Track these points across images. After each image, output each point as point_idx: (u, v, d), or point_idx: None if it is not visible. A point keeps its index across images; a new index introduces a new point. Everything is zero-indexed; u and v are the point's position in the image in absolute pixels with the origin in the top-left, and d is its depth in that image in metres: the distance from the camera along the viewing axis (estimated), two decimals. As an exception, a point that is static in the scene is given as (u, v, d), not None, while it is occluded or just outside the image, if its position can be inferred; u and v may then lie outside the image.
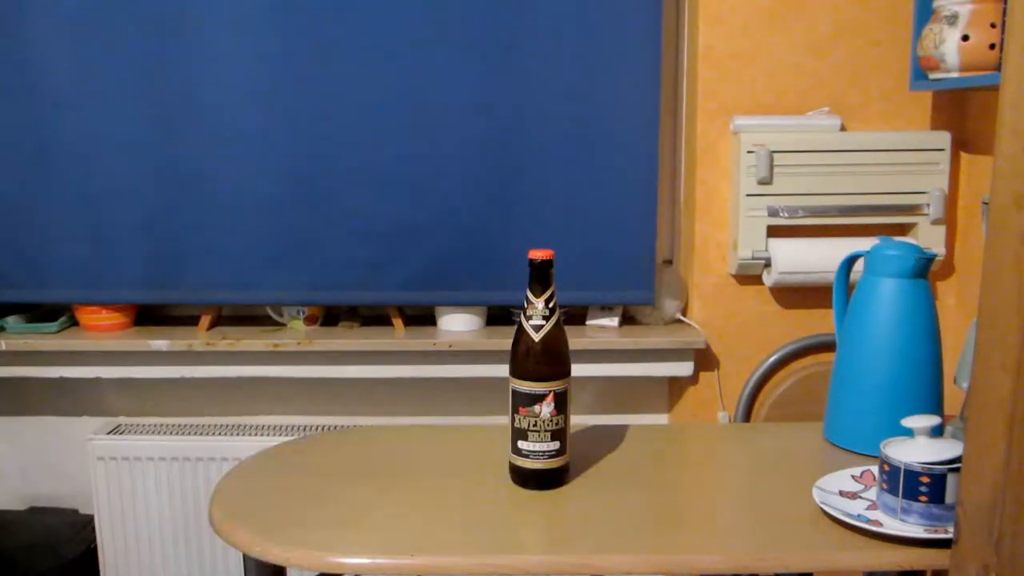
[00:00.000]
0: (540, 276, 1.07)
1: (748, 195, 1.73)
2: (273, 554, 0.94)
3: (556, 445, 1.08)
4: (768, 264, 1.75)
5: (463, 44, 1.71)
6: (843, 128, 1.75)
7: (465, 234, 1.77)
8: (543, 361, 1.06)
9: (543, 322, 1.06)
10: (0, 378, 1.90)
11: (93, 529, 1.89)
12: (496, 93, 1.72)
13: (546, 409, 1.07)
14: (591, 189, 1.75)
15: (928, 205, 1.73)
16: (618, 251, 1.77)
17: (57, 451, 2.02)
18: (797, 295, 1.81)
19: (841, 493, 1.03)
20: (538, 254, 1.06)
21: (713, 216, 1.79)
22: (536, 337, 1.06)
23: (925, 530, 0.94)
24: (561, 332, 1.07)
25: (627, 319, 1.87)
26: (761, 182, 1.72)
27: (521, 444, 1.07)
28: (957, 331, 1.75)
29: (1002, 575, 0.74)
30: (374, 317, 1.94)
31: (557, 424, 1.07)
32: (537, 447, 1.07)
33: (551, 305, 1.07)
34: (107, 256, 1.80)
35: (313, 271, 1.80)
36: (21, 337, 1.84)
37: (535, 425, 1.06)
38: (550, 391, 1.06)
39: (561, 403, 1.07)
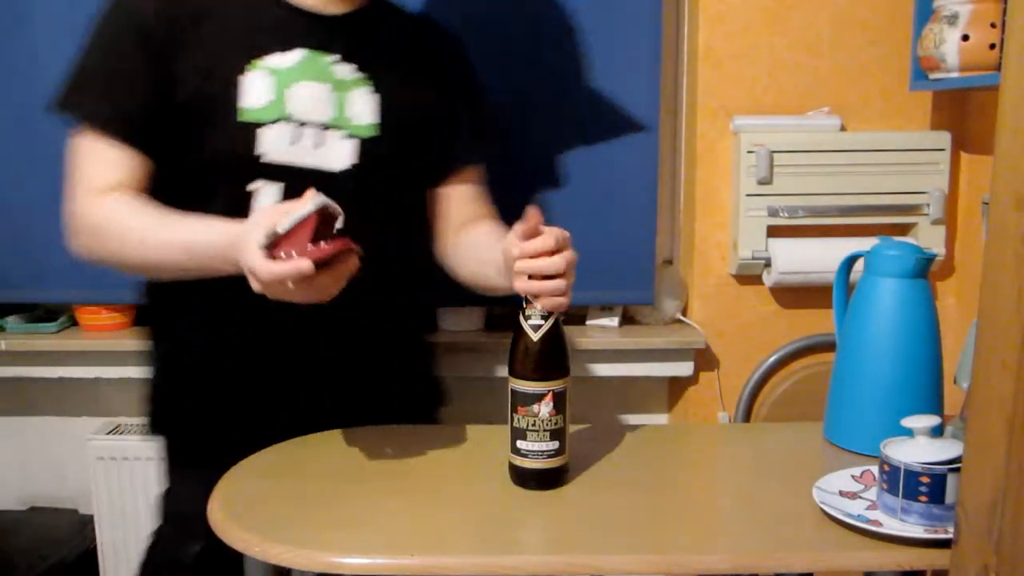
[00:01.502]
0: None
1: (748, 195, 1.73)
2: (273, 554, 0.94)
3: (555, 445, 1.07)
4: (768, 264, 1.75)
5: (463, 44, 1.70)
6: (843, 128, 1.75)
7: (465, 234, 1.77)
8: (541, 361, 1.06)
9: (541, 322, 1.06)
10: (0, 378, 1.90)
11: (93, 529, 1.89)
12: (496, 92, 1.72)
13: (544, 409, 1.06)
14: (591, 189, 1.75)
15: (928, 205, 1.73)
16: (618, 251, 1.77)
17: (57, 451, 2.02)
18: (797, 295, 1.81)
19: (841, 493, 1.03)
20: None
21: (713, 216, 1.79)
22: (535, 337, 1.06)
23: (925, 530, 0.94)
24: (560, 332, 1.07)
25: (627, 319, 1.87)
26: (761, 182, 1.72)
27: (520, 444, 1.07)
28: (957, 331, 1.74)
29: (1002, 575, 0.74)
30: (374, 317, 1.94)
31: (556, 424, 1.07)
32: (536, 447, 1.07)
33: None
34: (107, 256, 1.80)
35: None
36: (21, 337, 1.84)
37: (534, 425, 1.06)
38: (548, 391, 1.06)
39: (560, 403, 1.07)
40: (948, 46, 1.49)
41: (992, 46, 1.47)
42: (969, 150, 1.76)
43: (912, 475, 0.95)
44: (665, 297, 1.82)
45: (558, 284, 0.99)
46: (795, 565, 0.93)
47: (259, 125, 1.11)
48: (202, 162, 1.14)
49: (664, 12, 1.72)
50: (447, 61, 1.29)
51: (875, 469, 1.03)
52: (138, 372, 1.85)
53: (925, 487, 0.94)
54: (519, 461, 1.08)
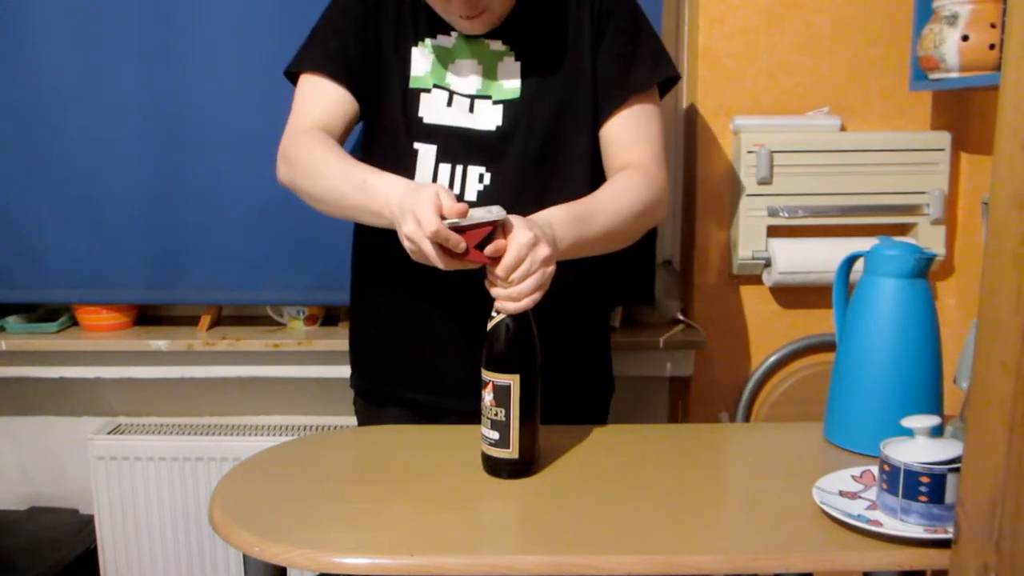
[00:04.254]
0: None
1: (748, 195, 1.73)
2: (273, 554, 0.94)
3: (495, 435, 1.10)
4: (768, 264, 1.75)
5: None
6: (843, 128, 1.75)
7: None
8: (488, 349, 1.09)
9: (494, 314, 1.09)
10: (0, 378, 1.90)
11: (93, 529, 1.89)
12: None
13: (487, 397, 1.09)
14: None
15: (928, 205, 1.73)
16: (618, 251, 1.77)
17: (57, 451, 2.03)
18: (797, 295, 1.81)
19: (841, 493, 1.03)
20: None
21: (713, 216, 1.79)
22: (488, 326, 1.09)
23: (925, 530, 0.94)
24: (513, 329, 1.08)
25: (627, 319, 1.87)
26: (761, 182, 1.72)
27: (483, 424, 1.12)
28: (957, 331, 1.74)
29: (1002, 575, 0.74)
30: (374, 317, 1.94)
31: (495, 415, 1.09)
32: (484, 431, 1.11)
33: None
34: (107, 256, 1.80)
35: (313, 271, 1.80)
36: (21, 337, 1.84)
37: (483, 410, 1.10)
38: (489, 381, 1.09)
39: (501, 397, 1.08)
40: (948, 46, 1.49)
41: (992, 46, 1.47)
42: (969, 150, 1.76)
43: (912, 475, 0.95)
44: (665, 297, 1.82)
45: (508, 292, 1.06)
46: (795, 565, 0.93)
47: (422, 91, 1.28)
48: (379, 122, 1.31)
49: (664, 12, 1.72)
50: (595, 10, 1.29)
51: (875, 469, 1.03)
52: (138, 372, 1.87)
53: (925, 487, 0.94)
54: (481, 443, 1.12)
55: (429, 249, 1.03)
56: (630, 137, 1.29)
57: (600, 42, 1.29)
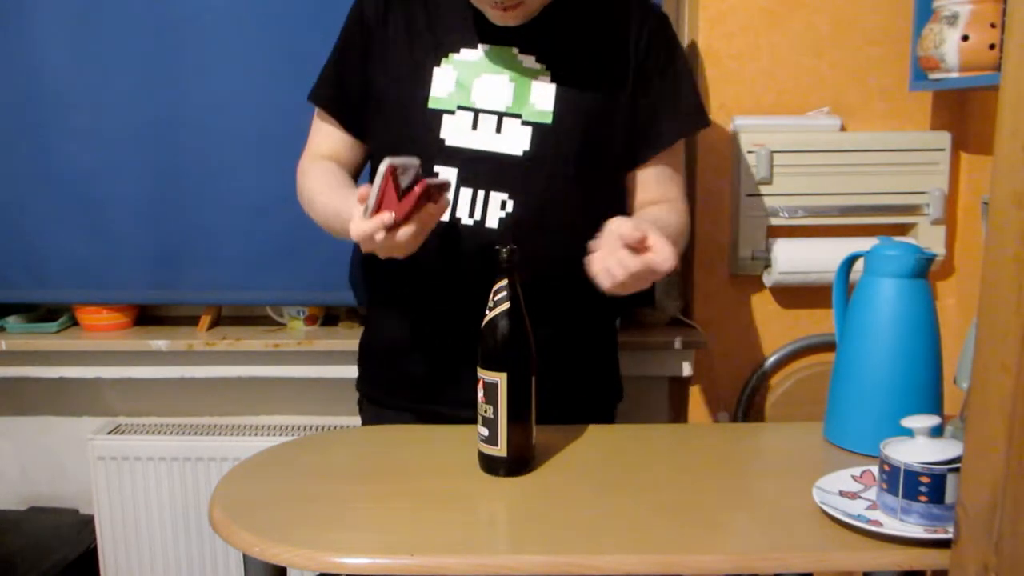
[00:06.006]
0: (496, 267, 1.11)
1: (748, 195, 1.73)
2: (273, 554, 0.94)
3: (485, 432, 1.10)
4: (768, 264, 1.75)
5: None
6: (843, 128, 1.75)
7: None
8: (480, 347, 1.10)
9: (487, 312, 1.10)
10: (0, 378, 1.90)
11: (93, 529, 1.89)
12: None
13: (479, 394, 1.10)
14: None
15: (928, 205, 1.73)
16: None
17: (57, 451, 2.02)
18: (797, 295, 1.81)
19: (841, 493, 1.03)
20: (501, 248, 1.10)
21: (713, 216, 1.79)
22: (481, 324, 1.10)
23: (925, 530, 0.94)
24: (504, 327, 1.09)
25: (627, 319, 1.87)
26: (761, 182, 1.72)
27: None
28: (957, 331, 1.74)
29: (1002, 575, 0.74)
30: (374, 317, 1.93)
31: (486, 412, 1.10)
32: (478, 428, 1.12)
33: (497, 298, 1.10)
34: (107, 256, 1.80)
35: (313, 271, 1.80)
36: (21, 337, 1.84)
37: (478, 407, 1.11)
38: (480, 378, 1.10)
39: (491, 393, 1.09)
40: (948, 46, 1.49)
41: (992, 46, 1.47)
42: (969, 150, 1.76)
43: (912, 475, 0.95)
44: (665, 297, 1.82)
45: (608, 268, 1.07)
46: (795, 565, 0.93)
47: (444, 112, 1.25)
48: (395, 144, 1.23)
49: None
50: (639, 43, 1.27)
51: (875, 469, 1.03)
52: (138, 372, 1.87)
53: (925, 487, 0.95)
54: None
55: (378, 233, 1.04)
56: (661, 178, 1.33)
57: (639, 80, 1.27)
